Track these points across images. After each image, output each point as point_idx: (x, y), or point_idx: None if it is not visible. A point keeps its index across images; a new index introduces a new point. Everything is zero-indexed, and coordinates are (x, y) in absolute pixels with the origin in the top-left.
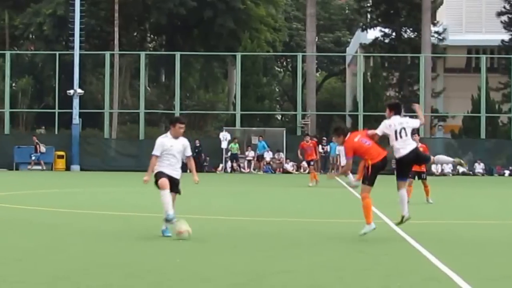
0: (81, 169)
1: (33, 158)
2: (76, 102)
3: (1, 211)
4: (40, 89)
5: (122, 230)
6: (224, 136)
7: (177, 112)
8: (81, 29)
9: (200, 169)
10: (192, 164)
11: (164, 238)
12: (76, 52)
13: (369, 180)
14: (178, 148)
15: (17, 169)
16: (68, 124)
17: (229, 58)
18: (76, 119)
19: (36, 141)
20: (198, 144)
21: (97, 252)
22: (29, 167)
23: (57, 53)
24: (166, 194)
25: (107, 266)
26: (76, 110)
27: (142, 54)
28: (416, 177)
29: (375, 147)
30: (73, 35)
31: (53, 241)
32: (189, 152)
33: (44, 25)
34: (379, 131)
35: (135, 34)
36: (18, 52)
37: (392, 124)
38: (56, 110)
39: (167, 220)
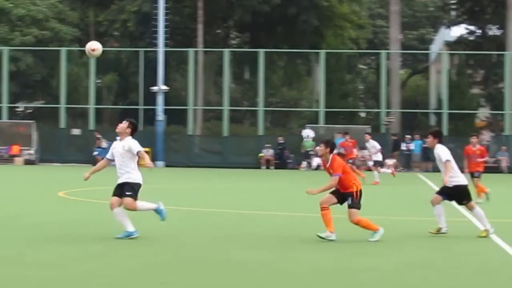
0: (166, 165)
1: (95, 153)
2: (160, 99)
3: (86, 206)
4: (124, 85)
5: (206, 226)
6: (307, 133)
7: (260, 109)
8: (165, 26)
9: (283, 166)
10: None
11: (249, 234)
12: (160, 49)
13: (359, 204)
14: (118, 150)
15: None
16: (153, 121)
17: (313, 55)
18: (160, 116)
19: (98, 136)
20: (281, 141)
21: (182, 246)
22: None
23: (142, 50)
24: (116, 213)
25: (191, 261)
26: (160, 107)
27: (226, 51)
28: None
29: None
30: (157, 32)
31: (138, 236)
32: (134, 149)
33: (129, 22)
34: (451, 158)
35: (219, 31)
36: (104, 49)
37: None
38: (141, 107)
39: (128, 236)
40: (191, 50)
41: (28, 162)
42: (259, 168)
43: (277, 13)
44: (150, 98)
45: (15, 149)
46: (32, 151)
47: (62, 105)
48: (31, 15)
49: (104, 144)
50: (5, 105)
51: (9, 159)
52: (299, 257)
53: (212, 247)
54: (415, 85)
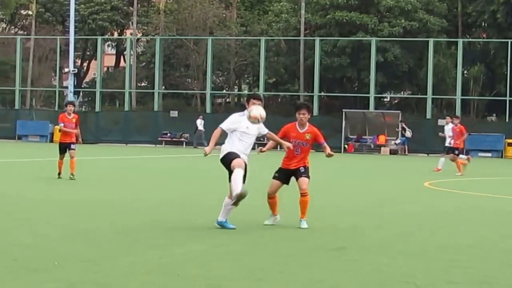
0: None
1: (397, 141)
2: None
3: (452, 197)
4: (491, 76)
5: None
6: None
7: None
8: None
9: None
10: (273, 137)
11: None
12: None
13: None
14: (253, 130)
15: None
16: None
17: None
18: None
19: (403, 126)
20: None
21: None
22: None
23: (509, 41)
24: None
25: None
26: None
27: None
28: None
29: None
30: None
31: (507, 228)
32: (264, 131)
33: (498, 13)
34: None
35: None
36: (470, 40)
37: None
38: (507, 98)
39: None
40: None
41: (393, 152)
42: None
43: None
44: None
45: (382, 139)
46: (397, 142)
47: (429, 96)
48: (400, 6)
49: (408, 133)
50: (372, 95)
51: (376, 149)
52: None
53: None
54: None
